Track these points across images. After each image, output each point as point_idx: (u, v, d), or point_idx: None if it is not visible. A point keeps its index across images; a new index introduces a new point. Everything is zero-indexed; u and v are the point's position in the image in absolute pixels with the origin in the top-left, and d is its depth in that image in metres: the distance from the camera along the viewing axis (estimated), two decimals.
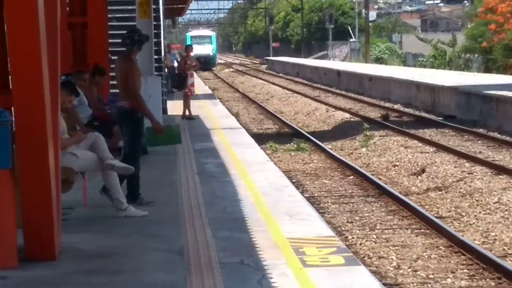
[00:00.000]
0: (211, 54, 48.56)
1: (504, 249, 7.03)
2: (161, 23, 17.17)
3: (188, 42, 47.62)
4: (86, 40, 10.89)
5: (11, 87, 4.47)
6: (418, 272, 6.32)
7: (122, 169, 5.84)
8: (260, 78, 40.70)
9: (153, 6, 13.22)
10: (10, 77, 4.51)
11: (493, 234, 7.63)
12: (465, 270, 6.29)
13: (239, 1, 70.98)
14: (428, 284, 6.04)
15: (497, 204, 8.87)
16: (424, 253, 6.92)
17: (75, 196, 6.10)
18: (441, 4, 66.32)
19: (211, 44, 50.07)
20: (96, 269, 4.42)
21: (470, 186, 10.07)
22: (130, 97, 6.40)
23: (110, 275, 4.30)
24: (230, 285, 4.03)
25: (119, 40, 7.07)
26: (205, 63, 37.17)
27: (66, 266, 4.41)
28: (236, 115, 19.23)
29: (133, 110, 6.42)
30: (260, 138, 14.55)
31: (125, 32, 7.13)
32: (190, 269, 4.38)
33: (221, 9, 76.12)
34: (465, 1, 55.69)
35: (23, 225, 4.45)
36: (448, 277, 6.09)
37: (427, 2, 68.98)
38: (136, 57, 6.72)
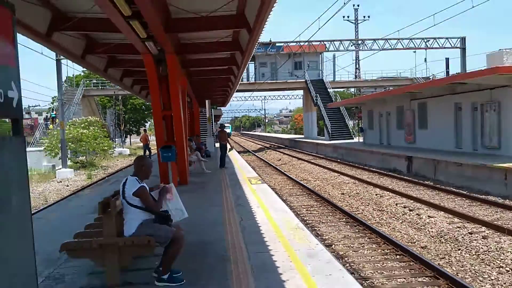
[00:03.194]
0: (229, 131, 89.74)
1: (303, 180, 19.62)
2: (213, 123, 37.28)
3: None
4: (193, 124, 27.96)
5: (174, 139, 15.64)
6: (285, 186, 19.18)
7: (204, 162, 18.29)
8: (240, 138, 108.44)
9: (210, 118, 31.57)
10: (174, 137, 15.68)
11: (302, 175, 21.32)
12: (302, 191, 18.49)
13: (235, 117, 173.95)
14: (286, 186, 18.92)
15: (320, 173, 21.74)
16: (282, 180, 20.47)
17: (191, 168, 18.11)
18: (283, 117, 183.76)
19: (229, 128, 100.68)
20: (198, 186, 15.65)
21: (300, 166, 27.41)
22: (224, 140, 19.23)
23: (202, 188, 15.38)
24: (232, 187, 15.13)
25: (203, 127, 23.04)
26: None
27: (191, 186, 15.64)
28: (231, 148, 38.67)
29: (225, 144, 19.25)
30: (241, 153, 34.12)
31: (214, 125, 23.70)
32: (225, 184, 15.70)
33: (228, 117, 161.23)
34: (290, 116, 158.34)
35: (179, 176, 15.69)
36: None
37: (280, 115, 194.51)
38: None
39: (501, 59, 22.55)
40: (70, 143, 37.10)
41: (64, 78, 47.68)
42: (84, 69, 59.35)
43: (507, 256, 9.72)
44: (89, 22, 12.54)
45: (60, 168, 32.82)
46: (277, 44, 57.35)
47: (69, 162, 35.57)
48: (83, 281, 6.39)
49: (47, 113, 63.73)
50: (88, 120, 42.14)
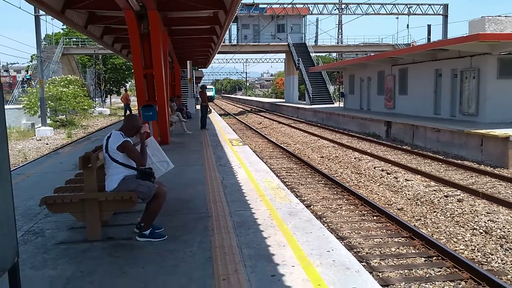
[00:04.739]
0: (212, 94, 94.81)
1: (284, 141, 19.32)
2: (194, 84, 36.81)
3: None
4: (174, 85, 27.43)
5: (155, 99, 15.41)
6: (265, 148, 18.65)
7: (185, 122, 17.90)
8: (221, 101, 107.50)
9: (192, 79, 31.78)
10: (155, 96, 15.42)
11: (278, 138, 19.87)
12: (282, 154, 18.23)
13: (216, 79, 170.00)
14: (267, 151, 18.46)
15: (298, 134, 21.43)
16: (263, 143, 20.05)
17: (172, 129, 17.82)
18: (265, 81, 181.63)
19: (212, 90, 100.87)
20: (179, 146, 15.52)
21: (280, 130, 26.63)
22: (205, 102, 18.80)
23: (183, 148, 15.32)
24: (213, 148, 15.12)
25: (184, 88, 22.28)
26: (210, 99, 72.16)
27: (172, 145, 15.50)
28: (211, 111, 39.27)
29: (206, 105, 18.78)
30: (222, 115, 33.55)
31: (197, 85, 22.81)
32: (206, 145, 15.58)
33: (209, 80, 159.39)
34: (271, 81, 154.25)
35: (160, 136, 15.55)
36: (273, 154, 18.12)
37: (261, 79, 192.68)
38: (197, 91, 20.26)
39: (483, 26, 22.55)
40: (49, 102, 36.50)
41: (43, 36, 46.65)
42: (64, 26, 57.94)
43: (481, 218, 9.90)
44: None
45: (39, 127, 32.33)
46: (260, 6, 56.53)
47: (48, 121, 35.08)
48: (64, 236, 6.33)
49: (25, 70, 62.45)
50: (67, 78, 41.35)
